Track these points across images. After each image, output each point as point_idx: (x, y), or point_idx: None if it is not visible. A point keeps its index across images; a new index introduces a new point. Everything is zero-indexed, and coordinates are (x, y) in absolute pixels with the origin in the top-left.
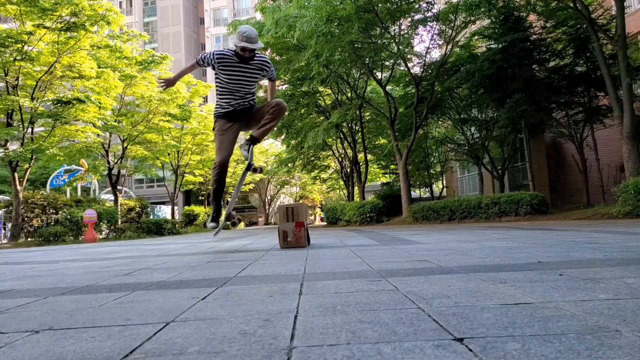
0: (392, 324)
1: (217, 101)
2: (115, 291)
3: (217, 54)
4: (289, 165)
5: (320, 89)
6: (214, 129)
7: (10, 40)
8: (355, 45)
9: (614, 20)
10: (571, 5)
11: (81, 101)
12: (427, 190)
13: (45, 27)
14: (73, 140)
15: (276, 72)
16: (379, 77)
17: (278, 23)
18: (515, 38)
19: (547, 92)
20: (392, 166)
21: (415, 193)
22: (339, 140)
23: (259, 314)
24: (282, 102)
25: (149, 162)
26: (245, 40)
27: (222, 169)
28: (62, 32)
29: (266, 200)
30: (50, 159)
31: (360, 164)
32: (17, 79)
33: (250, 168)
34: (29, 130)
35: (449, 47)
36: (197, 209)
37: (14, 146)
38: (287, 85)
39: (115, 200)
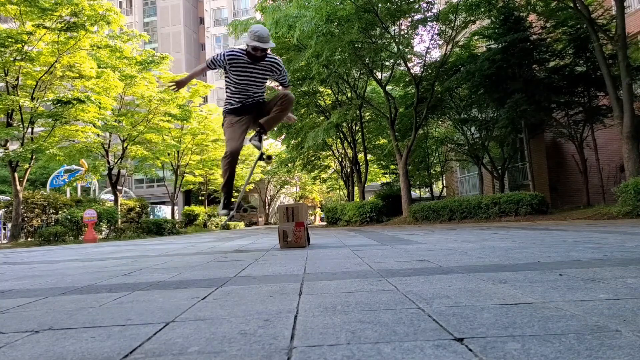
0: (392, 324)
1: (226, 98)
2: (115, 291)
3: (228, 54)
4: (289, 165)
5: (320, 89)
6: (223, 125)
7: (10, 40)
8: (355, 45)
9: (614, 20)
10: (571, 5)
11: (81, 101)
12: (427, 190)
13: (45, 27)
14: (73, 140)
15: None
16: (379, 77)
17: (278, 23)
18: (515, 38)
19: (547, 92)
20: (392, 166)
21: (415, 193)
22: (339, 140)
23: (259, 314)
24: (290, 93)
25: (149, 162)
26: (257, 40)
27: (232, 158)
28: (62, 32)
29: (266, 200)
30: (50, 159)
31: (360, 164)
32: (17, 79)
33: (262, 157)
34: (29, 130)
35: (449, 47)
36: (197, 209)
37: (14, 146)
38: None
39: (115, 200)
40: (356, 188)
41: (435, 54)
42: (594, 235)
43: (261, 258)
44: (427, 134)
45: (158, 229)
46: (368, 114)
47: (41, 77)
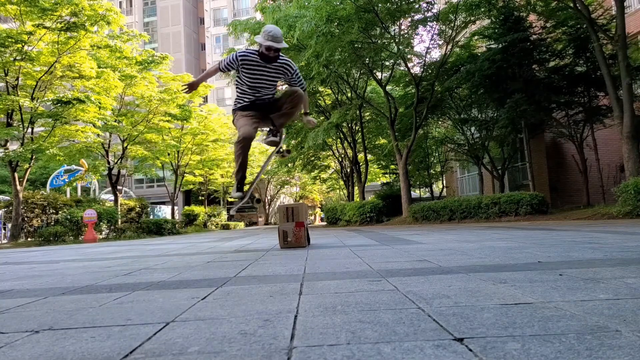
0: (392, 324)
1: (237, 97)
2: (115, 291)
3: (240, 55)
4: (289, 165)
5: (320, 89)
6: (233, 121)
7: (10, 40)
8: (355, 45)
9: (614, 20)
10: (571, 5)
11: (81, 101)
12: (427, 190)
13: (45, 27)
14: (73, 140)
15: None
16: (379, 77)
17: (278, 23)
18: (515, 38)
19: (547, 92)
20: (392, 166)
21: (415, 193)
22: (339, 140)
23: (259, 314)
24: (299, 90)
25: (149, 162)
26: (270, 40)
27: (245, 142)
28: (62, 32)
29: (266, 200)
30: (50, 159)
31: (360, 164)
32: (17, 79)
33: (279, 151)
34: (29, 130)
35: (449, 47)
36: (197, 209)
37: (14, 146)
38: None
39: (115, 200)
40: (356, 188)
41: (435, 54)
42: (594, 235)
43: (261, 258)
44: (427, 134)
45: (158, 229)
46: (368, 114)
47: (41, 77)
